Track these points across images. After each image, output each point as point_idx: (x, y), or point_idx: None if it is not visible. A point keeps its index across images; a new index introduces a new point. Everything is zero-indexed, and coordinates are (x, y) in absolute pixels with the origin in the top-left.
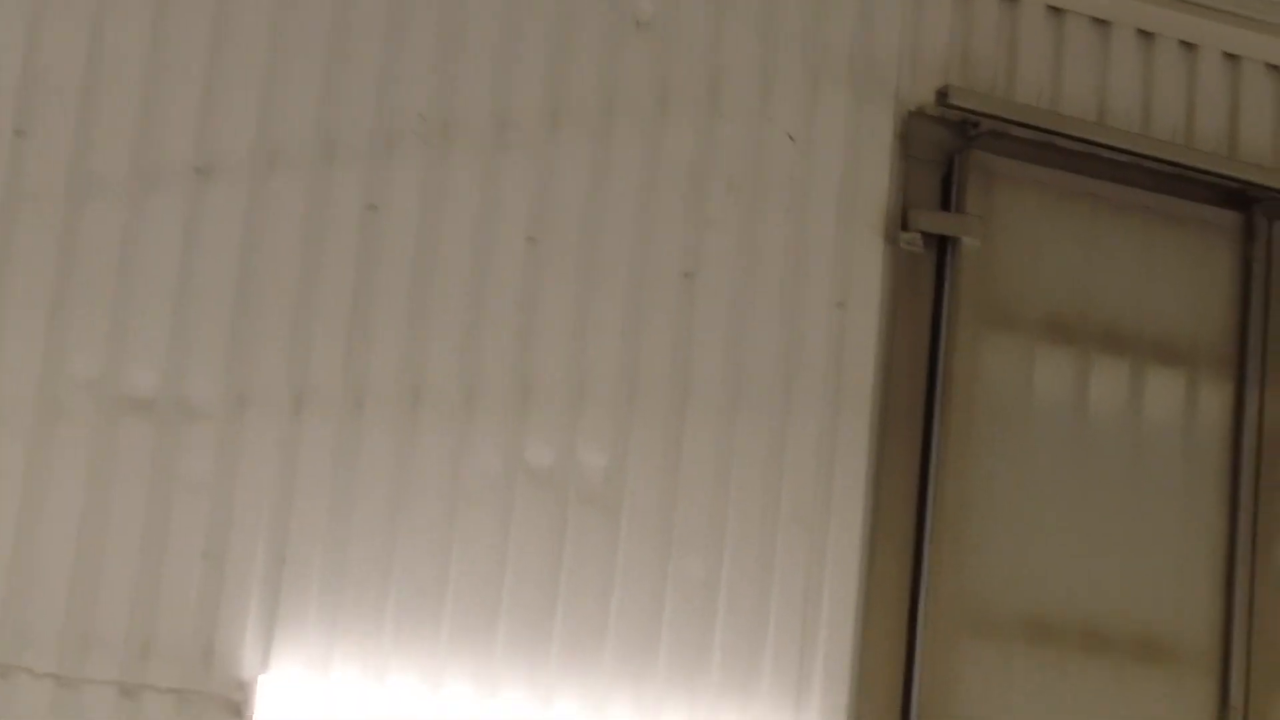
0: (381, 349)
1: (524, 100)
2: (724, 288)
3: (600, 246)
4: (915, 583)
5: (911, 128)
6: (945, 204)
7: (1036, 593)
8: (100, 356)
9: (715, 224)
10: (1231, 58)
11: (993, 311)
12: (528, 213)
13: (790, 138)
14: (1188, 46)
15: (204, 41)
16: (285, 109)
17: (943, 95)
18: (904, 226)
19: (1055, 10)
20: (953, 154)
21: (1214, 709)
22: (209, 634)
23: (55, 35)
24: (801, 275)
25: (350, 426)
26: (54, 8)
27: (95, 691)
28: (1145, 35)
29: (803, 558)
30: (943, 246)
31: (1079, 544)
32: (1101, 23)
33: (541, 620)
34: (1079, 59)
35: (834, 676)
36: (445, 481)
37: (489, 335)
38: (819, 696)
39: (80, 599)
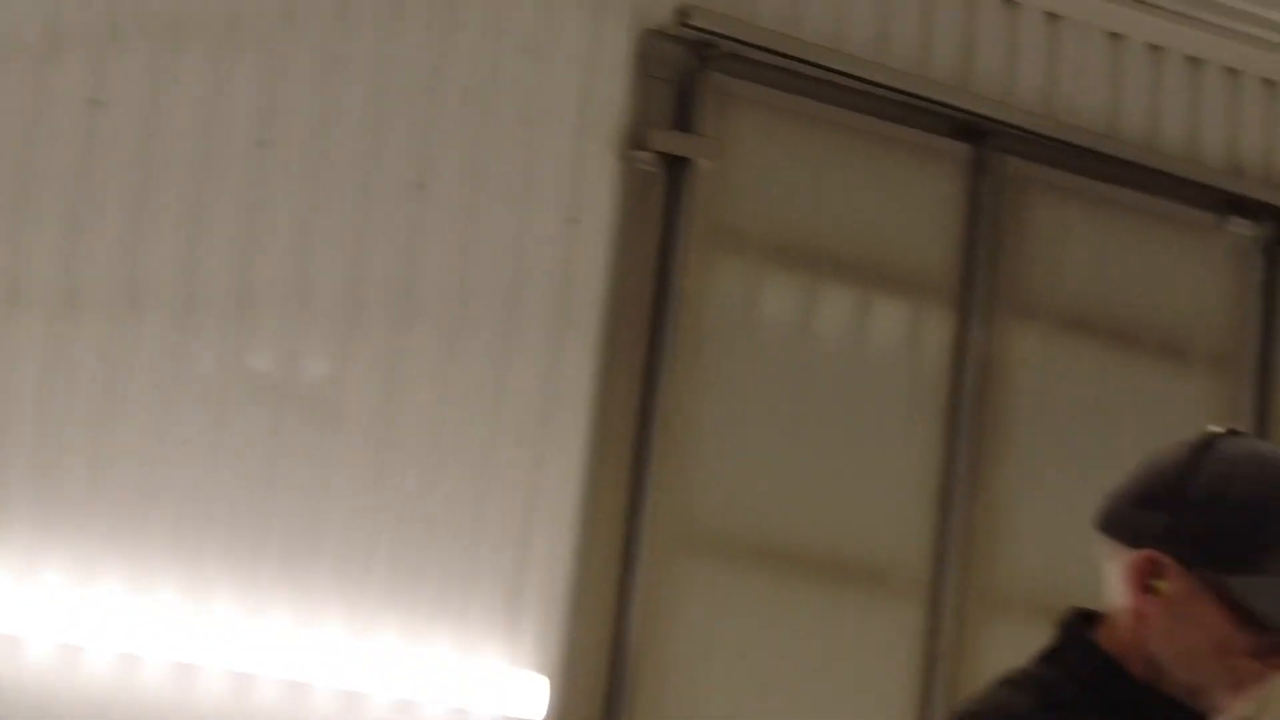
0: (100, 247)
1: None
2: (454, 199)
3: (330, 152)
4: (635, 502)
5: (649, 46)
6: (681, 124)
7: (756, 516)
8: None
9: (447, 135)
10: None
11: (724, 234)
12: (257, 114)
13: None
14: None
15: None
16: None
17: (681, 14)
18: (638, 145)
19: None
20: (690, 74)
21: (925, 634)
22: None
23: None
24: (533, 190)
25: (64, 324)
26: None
27: None
28: None
29: (522, 474)
30: (677, 167)
31: (800, 468)
32: None
33: (254, 529)
34: None
35: (550, 594)
36: (161, 384)
37: (212, 237)
38: (534, 613)
39: None
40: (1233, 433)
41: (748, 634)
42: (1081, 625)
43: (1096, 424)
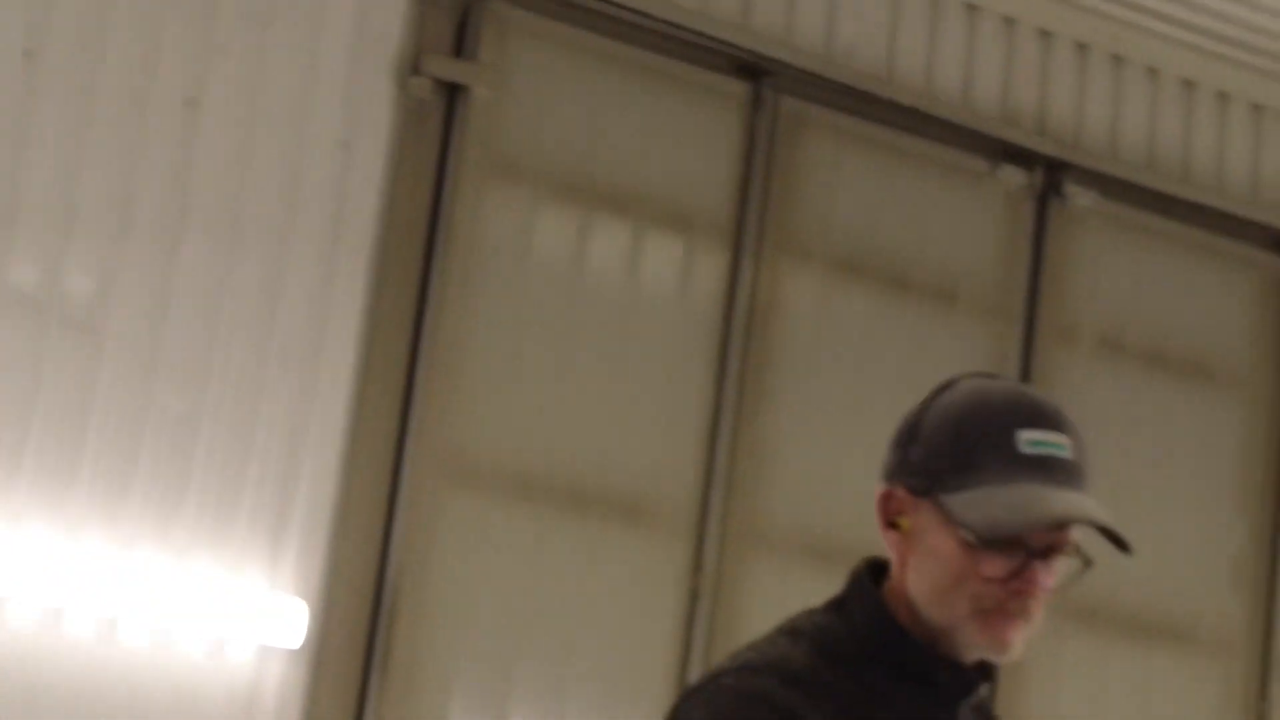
0: None
1: None
2: (227, 118)
3: (101, 66)
4: (403, 431)
5: None
6: (459, 51)
7: (525, 448)
8: None
9: (222, 51)
10: None
11: (500, 164)
12: (25, 24)
13: None
14: None
15: None
16: None
17: None
18: (415, 71)
19: None
20: (470, 1)
21: (689, 570)
22: None
23: None
24: (308, 112)
25: None
26: None
27: None
28: None
29: (290, 399)
30: (454, 95)
31: (570, 403)
32: None
33: (14, 445)
34: None
35: (314, 520)
36: None
37: None
38: (297, 539)
39: None
40: (981, 375)
41: (512, 566)
42: (867, 575)
43: (866, 366)
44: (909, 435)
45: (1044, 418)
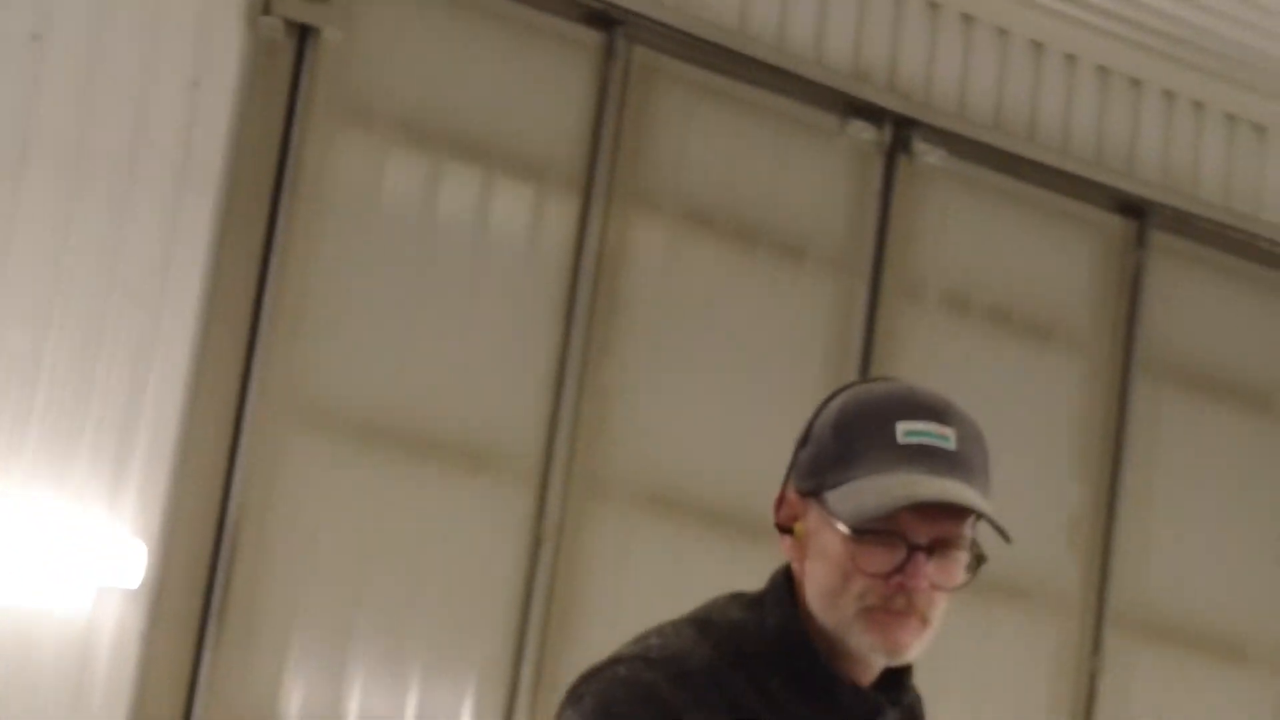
0: None
1: None
2: (74, 53)
3: None
4: (247, 372)
5: None
6: None
7: (370, 393)
8: None
9: None
10: None
11: (350, 107)
12: None
13: None
14: None
15: None
16: None
17: None
18: (266, 11)
19: None
20: None
21: (532, 517)
22: None
23: None
24: (157, 49)
25: None
26: None
27: None
28: None
29: (133, 338)
30: (305, 36)
31: (416, 348)
32: None
33: None
34: None
35: (155, 460)
36: None
37: None
38: (138, 479)
39: None
40: (880, 379)
41: (355, 509)
42: (785, 577)
43: (713, 319)
44: (803, 438)
45: (924, 409)
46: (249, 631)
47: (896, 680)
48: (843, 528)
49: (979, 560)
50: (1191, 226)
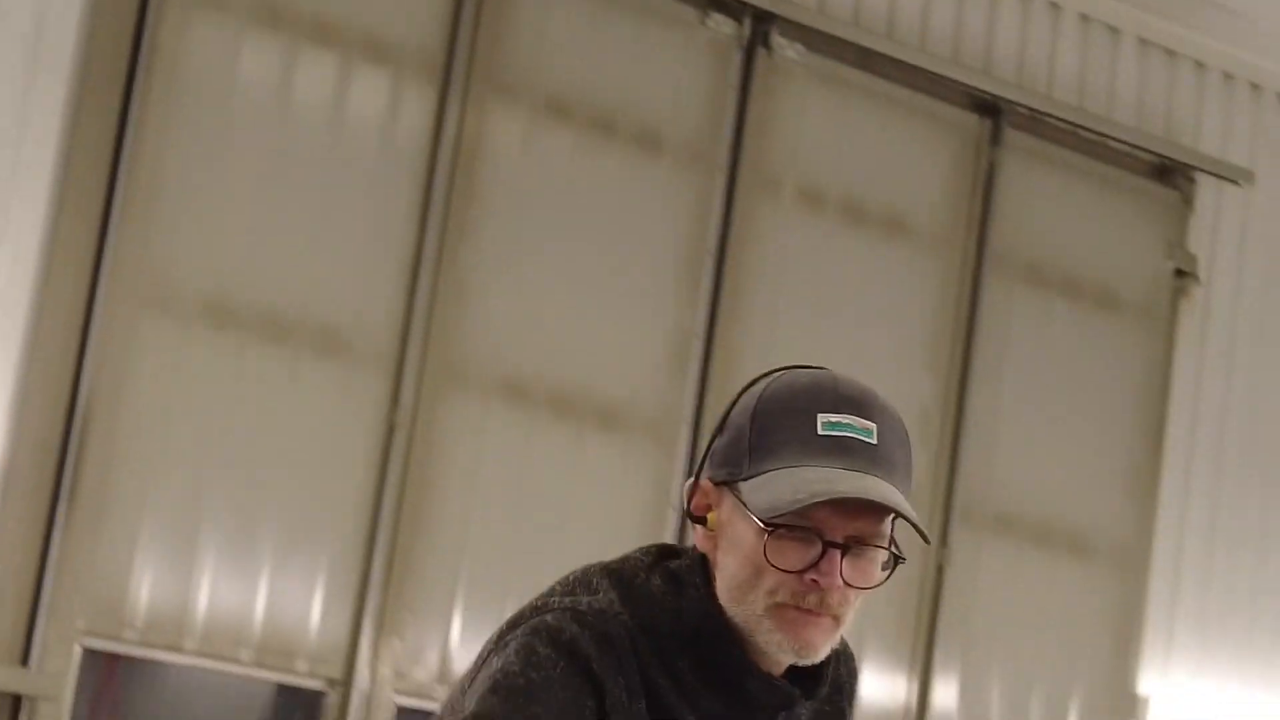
0: None
1: None
2: None
3: None
4: (100, 256)
5: None
6: None
7: (225, 277)
8: None
9: None
10: None
11: None
12: None
13: None
14: None
15: None
16: None
17: None
18: None
19: None
20: None
21: (386, 403)
22: None
23: None
24: None
25: None
26: None
27: None
28: None
29: None
30: None
31: (272, 232)
32: None
33: None
34: None
35: (5, 342)
36: None
37: None
38: None
39: None
40: (800, 366)
41: (208, 395)
42: (701, 561)
43: (570, 208)
44: (719, 427)
45: (847, 402)
46: (99, 514)
47: (813, 672)
48: (756, 520)
49: (896, 560)
50: (1045, 126)
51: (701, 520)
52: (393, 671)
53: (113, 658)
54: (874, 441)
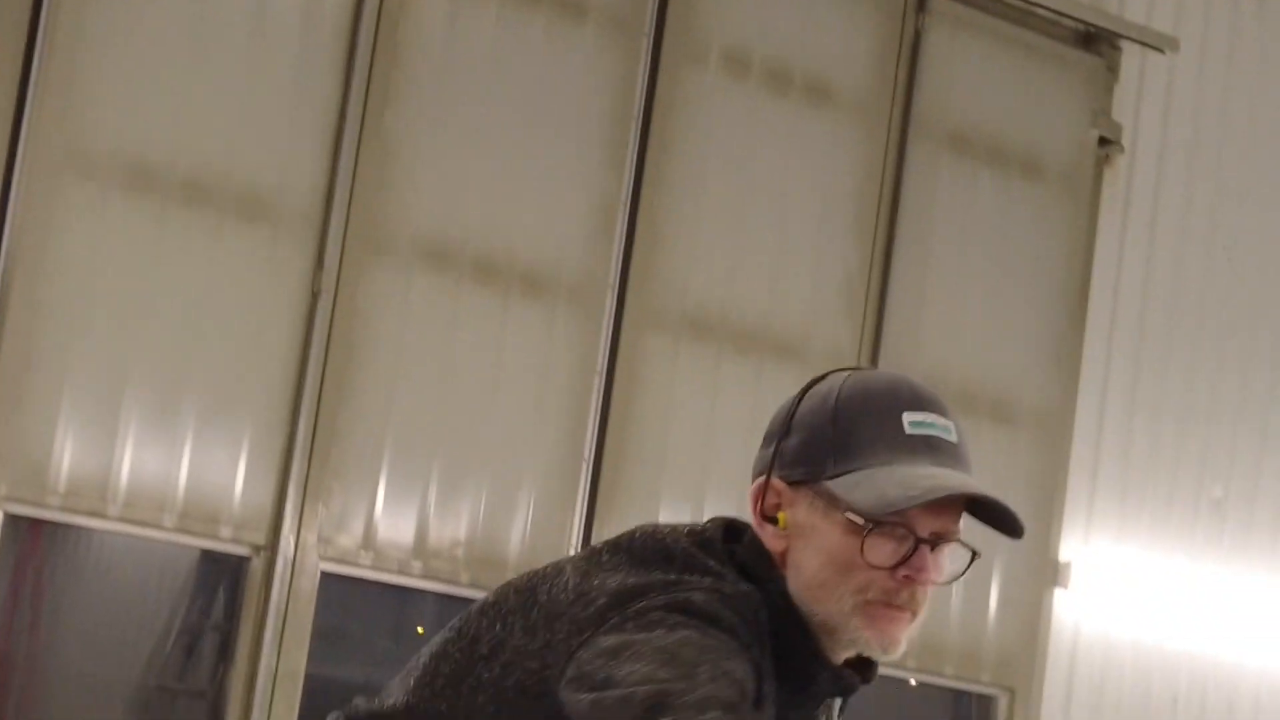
0: None
1: None
2: None
3: None
4: (18, 120)
5: None
6: None
7: (146, 139)
8: None
9: None
10: None
11: None
12: None
13: None
14: None
15: None
16: None
17: None
18: None
19: None
20: None
21: (309, 268)
22: None
23: None
24: None
25: None
26: None
27: None
28: None
29: None
30: None
31: (193, 95)
32: None
33: None
34: None
35: None
36: None
37: None
38: None
39: None
40: (853, 369)
41: (130, 259)
42: (767, 555)
43: (494, 77)
44: (783, 429)
45: (927, 401)
46: (20, 379)
47: (867, 660)
48: (854, 517)
49: (974, 554)
50: None
51: (772, 520)
52: (317, 538)
53: (35, 523)
54: (955, 439)
